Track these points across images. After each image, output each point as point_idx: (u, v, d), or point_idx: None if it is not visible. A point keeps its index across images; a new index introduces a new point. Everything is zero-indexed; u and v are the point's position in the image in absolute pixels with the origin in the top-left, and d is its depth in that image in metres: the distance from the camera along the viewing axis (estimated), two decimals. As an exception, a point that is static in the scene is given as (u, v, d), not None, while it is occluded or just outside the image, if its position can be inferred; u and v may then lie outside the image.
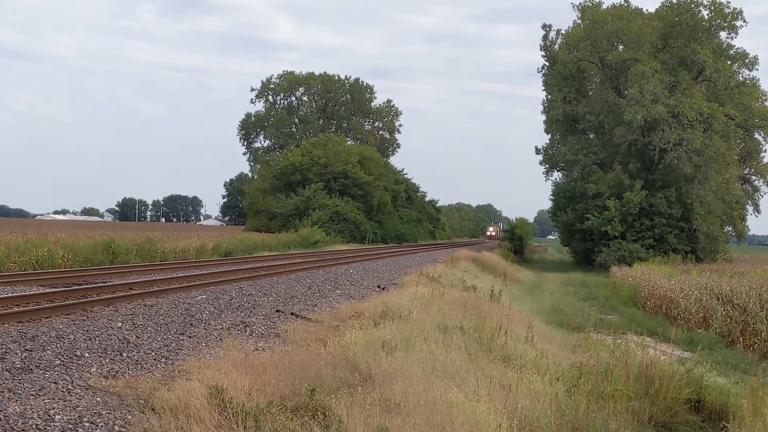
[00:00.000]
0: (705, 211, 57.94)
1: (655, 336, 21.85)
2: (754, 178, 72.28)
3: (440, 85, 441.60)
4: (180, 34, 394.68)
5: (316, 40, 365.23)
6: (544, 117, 68.92)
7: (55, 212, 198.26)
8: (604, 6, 63.83)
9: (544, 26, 68.29)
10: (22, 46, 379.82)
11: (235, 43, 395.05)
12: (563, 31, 67.04)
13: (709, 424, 13.02)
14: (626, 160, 59.71)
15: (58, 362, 9.13)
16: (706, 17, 60.14)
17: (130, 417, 7.33)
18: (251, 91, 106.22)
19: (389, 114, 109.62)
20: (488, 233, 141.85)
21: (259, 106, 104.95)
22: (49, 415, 7.07)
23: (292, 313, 15.57)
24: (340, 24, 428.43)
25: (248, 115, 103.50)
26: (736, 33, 60.97)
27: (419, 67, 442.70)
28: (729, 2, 60.23)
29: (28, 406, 7.23)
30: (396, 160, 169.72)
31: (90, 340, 10.63)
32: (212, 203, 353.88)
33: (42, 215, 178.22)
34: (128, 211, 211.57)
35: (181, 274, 22.45)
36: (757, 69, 67.38)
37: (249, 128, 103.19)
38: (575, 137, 64.54)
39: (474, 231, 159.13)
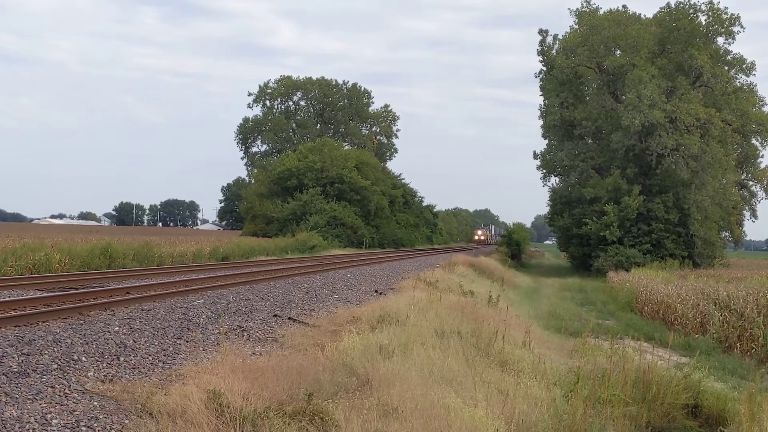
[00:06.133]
0: (702, 216, 58.00)
1: (653, 341, 21.74)
2: (751, 183, 72.47)
3: (440, 91, 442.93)
4: (181, 39, 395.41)
5: (317, 45, 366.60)
6: (541, 122, 69.12)
7: (52, 216, 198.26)
8: (602, 11, 64.03)
9: (540, 31, 68.25)
10: (23, 51, 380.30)
11: (236, 49, 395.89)
12: (560, 37, 67.26)
13: (706, 430, 13.04)
14: (624, 165, 59.80)
15: (55, 366, 9.11)
16: (703, 23, 60.26)
17: (127, 421, 7.31)
18: (248, 95, 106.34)
19: (387, 119, 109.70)
20: (476, 237, 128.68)
21: (257, 110, 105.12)
22: (46, 420, 7.06)
23: (289, 318, 15.55)
24: (341, 30, 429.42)
25: (246, 120, 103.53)
26: (734, 38, 61.18)
27: (420, 73, 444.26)
28: (726, 8, 60.50)
29: (25, 411, 7.22)
30: (394, 165, 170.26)
31: (87, 344, 10.61)
32: (209, 208, 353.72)
33: (39, 219, 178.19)
34: (125, 215, 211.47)
35: (178, 279, 22.40)
36: (755, 74, 67.73)
37: (246, 133, 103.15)
38: (572, 142, 64.58)
39: (471, 236, 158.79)
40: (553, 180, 70.50)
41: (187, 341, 11.90)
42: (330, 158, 73.76)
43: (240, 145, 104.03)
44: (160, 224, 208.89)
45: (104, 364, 9.64)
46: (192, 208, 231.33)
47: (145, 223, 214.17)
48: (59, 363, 9.31)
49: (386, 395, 8.66)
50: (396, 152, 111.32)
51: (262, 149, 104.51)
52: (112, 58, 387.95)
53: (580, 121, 62.16)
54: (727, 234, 69.42)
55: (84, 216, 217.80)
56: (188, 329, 12.95)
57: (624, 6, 64.53)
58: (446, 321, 15.22)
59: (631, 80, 56.35)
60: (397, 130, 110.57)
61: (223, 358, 9.68)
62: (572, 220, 61.21)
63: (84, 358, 9.75)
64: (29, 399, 7.64)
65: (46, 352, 9.79)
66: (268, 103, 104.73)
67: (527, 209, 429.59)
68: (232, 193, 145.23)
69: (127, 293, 17.40)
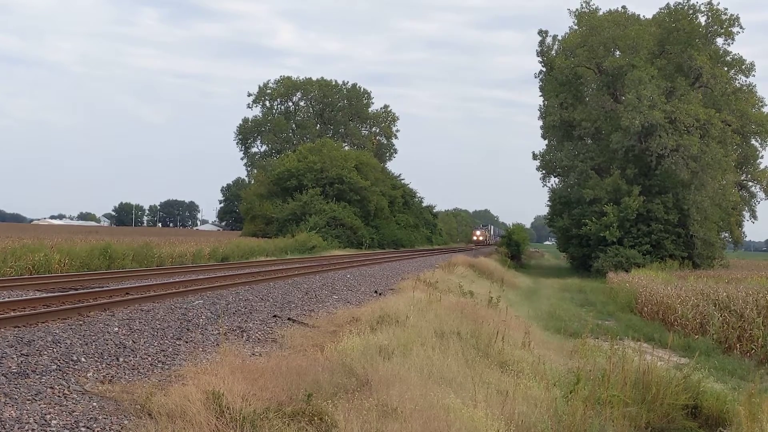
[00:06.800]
0: (702, 217, 58.01)
1: (652, 342, 21.76)
2: (750, 184, 72.47)
3: (440, 92, 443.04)
4: (181, 40, 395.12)
5: (317, 46, 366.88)
6: (541, 123, 69.12)
7: (52, 217, 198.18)
8: (601, 12, 64.07)
9: (540, 32, 68.40)
10: (23, 52, 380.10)
11: (236, 50, 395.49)
12: (560, 37, 67.33)
13: (706, 430, 13.03)
14: (623, 165, 59.82)
15: (54, 367, 9.11)
16: (703, 23, 60.34)
17: (126, 422, 7.31)
18: (248, 96, 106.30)
19: (386, 119, 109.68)
20: (474, 237, 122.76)
21: (257, 111, 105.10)
22: (46, 420, 7.06)
23: (289, 318, 15.55)
24: (341, 30, 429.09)
25: (245, 120, 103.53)
26: (733, 39, 61.31)
27: (420, 74, 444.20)
28: (726, 9, 60.58)
29: (24, 411, 7.21)
30: (394, 166, 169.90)
31: (86, 344, 10.60)
32: (209, 208, 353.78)
33: (38, 220, 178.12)
34: (125, 216, 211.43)
35: (177, 279, 22.39)
36: (754, 75, 67.80)
37: (246, 133, 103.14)
38: (572, 143, 64.60)
39: (470, 237, 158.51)
40: (553, 181, 70.63)
41: (187, 342, 11.90)
42: (329, 159, 73.74)
43: (240, 146, 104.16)
44: (160, 225, 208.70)
45: (103, 365, 9.63)
46: (192, 208, 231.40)
47: (145, 224, 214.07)
48: (58, 363, 9.31)
49: (386, 396, 8.65)
50: (395, 153, 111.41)
51: (262, 150, 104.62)
52: (112, 58, 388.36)
53: (579, 122, 62.17)
54: (726, 235, 69.45)
55: (83, 216, 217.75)
56: (188, 330, 12.94)
57: (623, 7, 64.79)
58: (446, 322, 15.22)
59: (630, 81, 56.36)
60: (397, 131, 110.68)
61: (222, 359, 9.67)
62: (572, 221, 61.19)
63: (83, 359, 9.75)
64: (28, 399, 7.64)
65: (46, 352, 9.78)
66: (267, 103, 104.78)
67: (527, 210, 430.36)
68: (232, 193, 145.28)
69: (127, 294, 17.39)
